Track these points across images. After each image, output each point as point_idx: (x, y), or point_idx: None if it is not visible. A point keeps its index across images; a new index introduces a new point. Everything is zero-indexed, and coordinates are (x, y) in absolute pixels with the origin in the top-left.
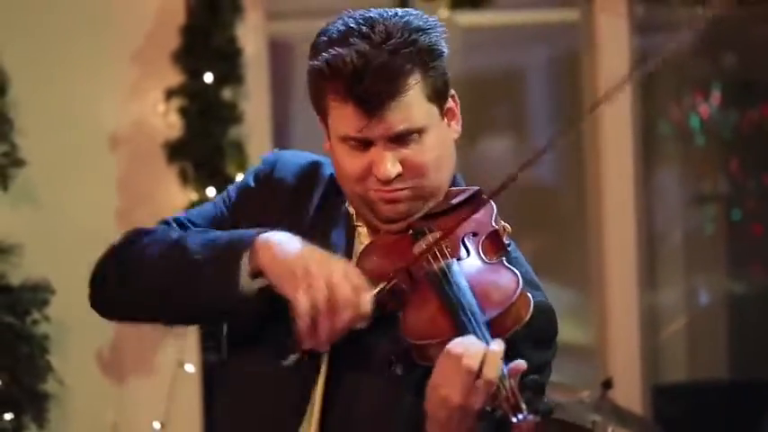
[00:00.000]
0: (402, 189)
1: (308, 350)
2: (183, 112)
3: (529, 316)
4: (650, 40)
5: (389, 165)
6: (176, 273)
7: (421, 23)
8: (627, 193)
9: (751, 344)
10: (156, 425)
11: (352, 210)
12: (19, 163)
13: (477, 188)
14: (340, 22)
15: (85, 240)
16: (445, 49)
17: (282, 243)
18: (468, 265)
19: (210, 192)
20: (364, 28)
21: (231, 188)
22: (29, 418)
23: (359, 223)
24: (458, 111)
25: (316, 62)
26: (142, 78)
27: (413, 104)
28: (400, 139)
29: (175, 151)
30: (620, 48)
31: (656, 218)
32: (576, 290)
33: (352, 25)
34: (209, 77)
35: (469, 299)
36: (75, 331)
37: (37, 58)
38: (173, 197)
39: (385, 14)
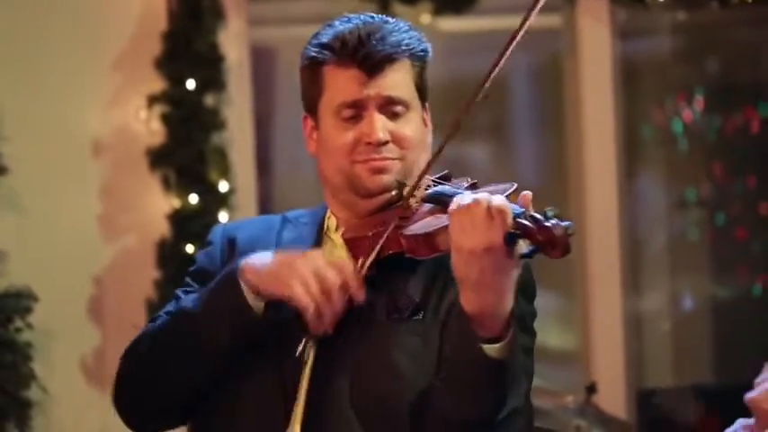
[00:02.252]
0: (389, 158)
1: (316, 336)
2: (166, 118)
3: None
4: (632, 45)
5: (380, 130)
6: (192, 330)
7: (411, 26)
8: (610, 197)
9: (735, 348)
10: None
11: (331, 221)
12: (1, 170)
13: (446, 172)
14: (340, 17)
15: (69, 247)
16: (430, 52)
17: (260, 259)
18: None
19: (193, 198)
20: (363, 16)
21: (191, 268)
22: (12, 425)
23: (340, 229)
24: (429, 120)
25: (320, 39)
26: (124, 85)
27: (403, 79)
28: (390, 110)
29: (158, 158)
30: (601, 53)
31: (639, 222)
32: (559, 295)
33: (352, 15)
34: (191, 84)
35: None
36: (58, 338)
37: (18, 66)
38: (155, 204)
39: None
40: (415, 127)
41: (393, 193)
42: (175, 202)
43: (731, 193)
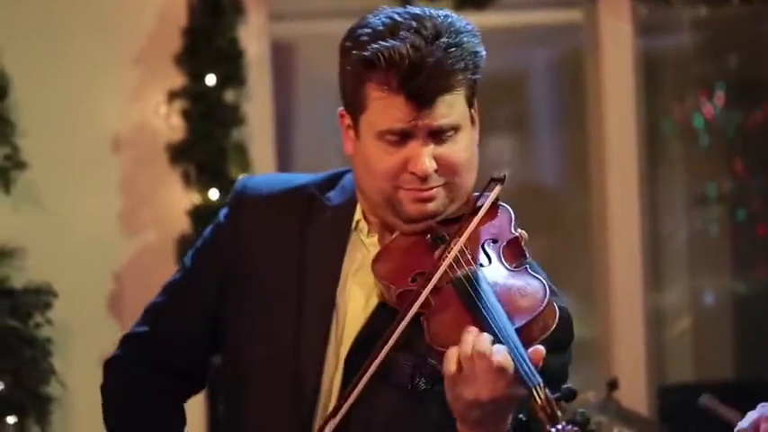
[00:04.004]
0: (435, 187)
1: None
2: (186, 114)
3: (555, 325)
4: (653, 40)
5: (427, 160)
6: None
7: (464, 25)
8: (631, 192)
9: (756, 344)
10: None
11: (362, 224)
12: (21, 165)
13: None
14: (383, 15)
15: (88, 243)
16: (484, 56)
17: None
18: (492, 271)
19: (213, 194)
20: (413, 23)
21: (195, 250)
22: (32, 421)
23: (372, 234)
24: (477, 118)
25: (364, 53)
26: (144, 81)
27: (456, 102)
28: (438, 136)
29: (178, 153)
30: (623, 49)
31: (660, 218)
32: (581, 291)
33: (398, 19)
34: (211, 79)
35: (496, 306)
36: (77, 334)
37: (38, 61)
38: (175, 200)
39: (429, 12)
40: (463, 147)
41: (428, 236)
42: (196, 198)
43: (752, 188)
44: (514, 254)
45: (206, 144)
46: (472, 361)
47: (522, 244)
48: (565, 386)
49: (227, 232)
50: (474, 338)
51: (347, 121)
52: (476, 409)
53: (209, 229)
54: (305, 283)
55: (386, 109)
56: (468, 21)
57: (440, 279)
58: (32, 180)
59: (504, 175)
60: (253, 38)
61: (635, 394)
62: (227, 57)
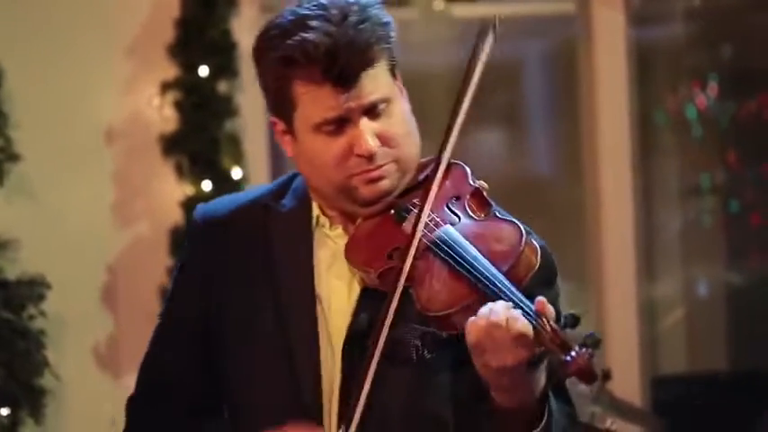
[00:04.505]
0: (384, 164)
1: None
2: (179, 105)
3: (539, 261)
4: (646, 31)
5: (370, 139)
6: None
7: (369, 4)
8: (624, 184)
9: (749, 335)
10: None
11: (322, 219)
12: (14, 157)
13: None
14: (287, 13)
15: (81, 235)
16: (393, 24)
17: None
18: (464, 227)
19: (206, 185)
20: (319, 11)
21: (168, 294)
22: (25, 413)
23: (335, 227)
24: (403, 89)
25: (280, 53)
26: (137, 72)
27: (379, 75)
28: (372, 112)
29: (171, 145)
30: (616, 39)
31: (653, 209)
32: (574, 282)
33: (304, 12)
34: (204, 71)
35: (478, 257)
36: (71, 326)
37: (32, 52)
38: (168, 191)
39: None
40: (399, 118)
41: (392, 212)
42: (188, 190)
43: (745, 179)
44: (480, 204)
45: (199, 135)
46: (490, 332)
47: (485, 194)
48: (567, 314)
49: (192, 265)
50: (488, 310)
51: (281, 126)
52: (504, 376)
53: (176, 267)
54: (280, 293)
55: (315, 101)
56: None
57: (416, 249)
58: (26, 172)
59: (495, 23)
60: (245, 29)
61: (628, 385)
62: (220, 48)
